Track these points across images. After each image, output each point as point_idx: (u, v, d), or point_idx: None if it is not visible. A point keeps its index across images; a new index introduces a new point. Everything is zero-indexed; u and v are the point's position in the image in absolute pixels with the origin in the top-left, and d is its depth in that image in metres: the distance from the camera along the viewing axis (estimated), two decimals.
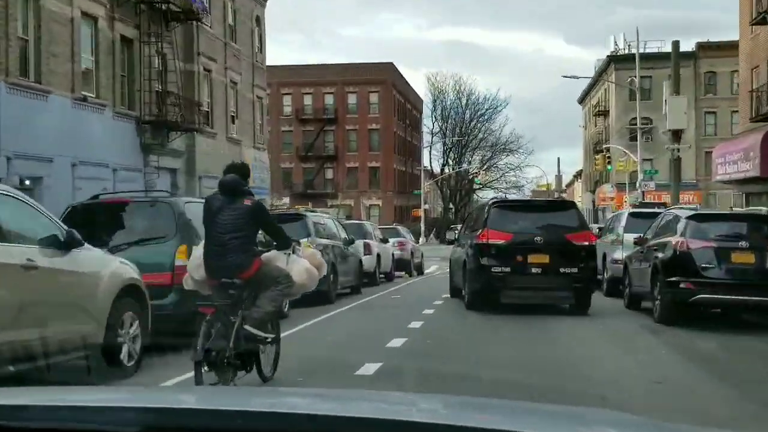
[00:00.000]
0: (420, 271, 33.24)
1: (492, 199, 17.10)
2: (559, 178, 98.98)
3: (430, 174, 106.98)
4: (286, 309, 14.05)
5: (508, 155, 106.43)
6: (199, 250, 8.66)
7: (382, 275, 26.32)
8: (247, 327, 8.14)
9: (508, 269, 14.72)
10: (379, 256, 25.46)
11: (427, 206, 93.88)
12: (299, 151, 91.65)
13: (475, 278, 14.68)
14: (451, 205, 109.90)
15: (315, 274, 8.79)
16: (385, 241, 28.01)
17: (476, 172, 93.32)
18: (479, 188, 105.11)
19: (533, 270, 14.83)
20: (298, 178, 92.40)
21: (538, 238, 14.87)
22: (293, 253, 8.71)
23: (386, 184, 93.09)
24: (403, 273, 31.19)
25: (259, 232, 8.68)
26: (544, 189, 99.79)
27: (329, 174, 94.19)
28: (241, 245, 8.25)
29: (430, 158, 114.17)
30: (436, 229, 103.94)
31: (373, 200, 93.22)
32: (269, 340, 8.52)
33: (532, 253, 14.88)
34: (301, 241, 9.79)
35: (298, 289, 8.74)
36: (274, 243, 8.75)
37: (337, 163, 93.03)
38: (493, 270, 14.65)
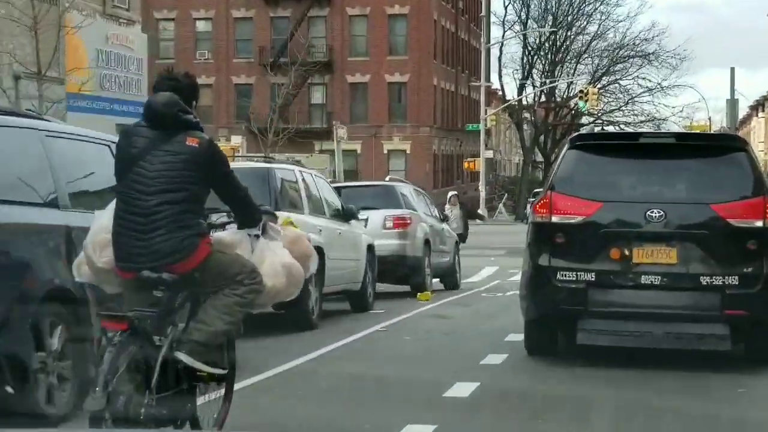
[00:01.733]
0: (453, 281, 21.60)
1: (574, 135, 11.48)
2: (733, 104, 63.28)
3: (502, 100, 74.61)
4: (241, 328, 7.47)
5: (641, 66, 71.81)
6: (104, 216, 6.30)
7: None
8: (180, 355, 6.03)
9: (591, 275, 9.71)
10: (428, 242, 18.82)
11: (490, 153, 61.64)
12: (264, 57, 62.20)
13: (531, 293, 10.07)
14: (537, 155, 78.83)
15: (298, 272, 6.52)
16: (443, 219, 21.90)
17: (583, 92, 57.42)
18: (588, 122, 72.47)
19: (645, 277, 9.77)
20: (263, 104, 61.24)
21: (657, 213, 9.72)
22: (264, 234, 6.44)
23: (420, 114, 62.85)
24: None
25: (210, 194, 6.25)
26: (703, 128, 65.21)
27: (317, 96, 63.95)
28: (178, 215, 5.98)
29: (500, 70, 79.24)
30: (510, 196, 75.52)
31: (396, 142, 62.73)
32: (216, 377, 6.31)
33: (643, 242, 9.83)
34: (278, 213, 7.31)
35: (269, 296, 6.45)
36: (233, 215, 6.50)
37: (333, 77, 63.42)
38: (560, 277, 9.77)
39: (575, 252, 9.84)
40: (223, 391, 6.54)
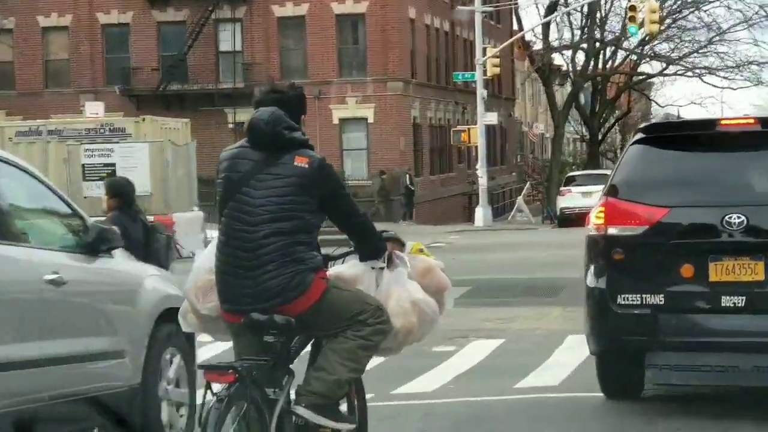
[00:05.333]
0: None
1: (639, 127, 12.85)
2: None
3: (521, 43, 63.01)
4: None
5: None
6: (203, 256, 6.95)
7: None
8: (299, 409, 6.52)
9: (658, 298, 10.50)
10: None
11: (492, 118, 49.07)
12: None
13: (589, 323, 10.79)
14: (579, 127, 69.66)
15: (431, 309, 6.91)
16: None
17: (633, 7, 45.82)
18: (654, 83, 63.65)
19: (725, 299, 10.63)
20: (146, 55, 54.18)
21: (737, 219, 10.60)
22: (389, 265, 6.89)
23: (388, 63, 53.05)
24: None
25: (324, 222, 6.78)
26: None
27: (226, 40, 53.78)
28: (289, 248, 6.48)
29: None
30: (535, 186, 65.64)
31: (352, 107, 53.57)
32: None
33: (721, 255, 10.66)
34: (407, 242, 7.41)
35: (398, 338, 6.89)
36: (352, 244, 6.99)
37: (251, 10, 53.74)
38: (621, 301, 10.57)
39: (638, 270, 10.46)
40: None
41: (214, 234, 27.32)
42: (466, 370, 12.81)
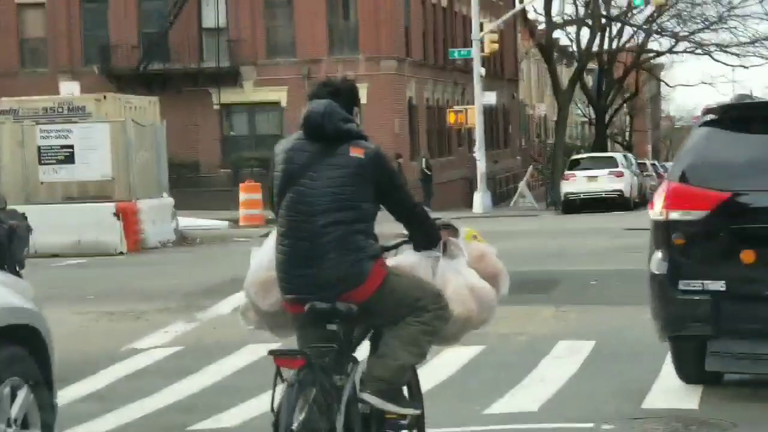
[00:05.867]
0: None
1: (705, 107, 12.33)
2: None
3: (523, 19, 61.53)
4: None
5: None
6: (261, 253, 7.19)
7: None
8: (366, 396, 6.78)
9: (720, 284, 10.69)
10: None
11: (491, 97, 47.14)
12: None
13: (654, 310, 11.08)
14: (587, 109, 68.50)
15: (489, 295, 7.17)
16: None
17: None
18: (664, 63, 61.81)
19: None
20: (126, 30, 51.37)
21: None
22: (445, 253, 7.17)
23: (381, 39, 51.31)
24: None
25: (380, 211, 7.08)
26: None
27: (209, 15, 52.02)
28: (349, 237, 6.80)
29: None
30: (539, 171, 63.33)
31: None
32: (407, 420, 7.03)
33: None
34: (461, 228, 7.64)
35: (459, 325, 7.14)
36: (406, 235, 7.25)
37: None
38: (682, 287, 10.82)
39: (699, 256, 10.73)
40: None
41: (187, 222, 24.92)
42: (429, 390, 10.67)
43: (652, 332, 13.58)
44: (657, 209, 10.65)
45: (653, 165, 64.69)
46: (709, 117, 10.98)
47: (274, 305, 7.04)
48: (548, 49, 59.85)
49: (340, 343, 6.77)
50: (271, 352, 6.73)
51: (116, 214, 24.90)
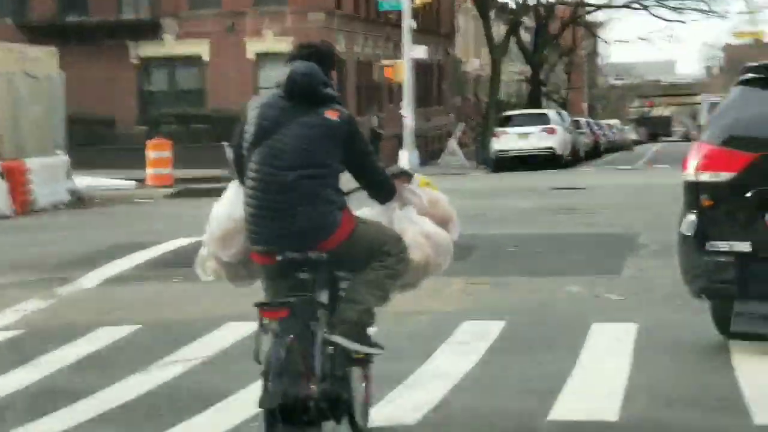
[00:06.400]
0: None
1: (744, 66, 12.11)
2: None
3: None
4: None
5: None
6: (222, 205, 7.43)
7: None
8: (336, 338, 7.11)
9: (746, 245, 11.06)
10: None
11: (421, 51, 45.06)
12: None
13: (683, 269, 11.42)
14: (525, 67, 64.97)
15: (444, 240, 7.53)
16: None
17: None
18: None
19: None
20: None
21: None
22: (400, 202, 7.57)
23: None
24: None
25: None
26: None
27: None
28: (319, 189, 7.10)
29: None
30: (470, 126, 60.46)
31: (269, 40, 49.46)
32: (372, 360, 7.56)
33: None
34: (414, 174, 8.08)
35: (418, 271, 7.48)
36: (365, 191, 7.55)
37: None
38: (709, 248, 11.13)
39: (726, 217, 10.98)
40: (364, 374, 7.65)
41: (90, 182, 22.32)
42: None
43: (572, 311, 12.17)
44: (690, 170, 10.80)
45: (587, 123, 63.13)
46: (749, 76, 10.96)
47: (235, 255, 7.29)
48: (484, 3, 58.02)
49: (311, 290, 7.06)
50: (256, 305, 6.91)
51: (1, 174, 22.73)
